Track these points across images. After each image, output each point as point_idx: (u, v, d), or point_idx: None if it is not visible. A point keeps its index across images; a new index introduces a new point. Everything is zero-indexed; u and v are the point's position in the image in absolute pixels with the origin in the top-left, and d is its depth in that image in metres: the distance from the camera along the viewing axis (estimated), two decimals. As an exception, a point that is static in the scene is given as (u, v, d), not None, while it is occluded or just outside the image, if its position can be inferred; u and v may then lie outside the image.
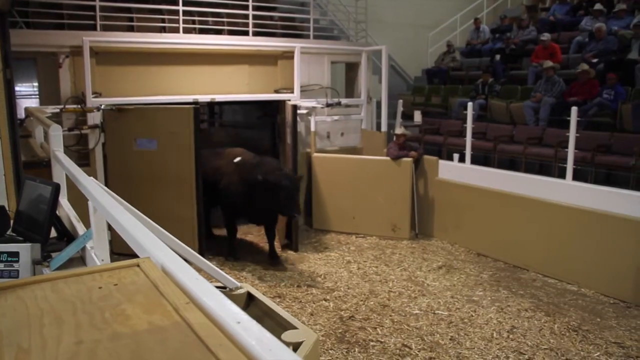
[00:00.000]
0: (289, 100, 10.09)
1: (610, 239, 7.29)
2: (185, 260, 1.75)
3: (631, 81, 10.23)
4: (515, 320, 6.69)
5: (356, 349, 5.99)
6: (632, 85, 10.16)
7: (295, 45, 10.21)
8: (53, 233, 3.76)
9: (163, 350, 1.13)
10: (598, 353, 5.89)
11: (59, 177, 4.74)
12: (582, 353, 5.89)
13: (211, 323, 1.21)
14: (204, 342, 1.12)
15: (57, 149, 4.85)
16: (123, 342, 1.18)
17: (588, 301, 7.27)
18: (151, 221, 3.37)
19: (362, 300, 7.26)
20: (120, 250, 4.47)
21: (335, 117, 11.03)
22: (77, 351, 1.15)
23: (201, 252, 8.68)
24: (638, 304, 7.02)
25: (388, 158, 9.89)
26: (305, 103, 10.21)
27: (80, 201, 3.73)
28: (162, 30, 10.09)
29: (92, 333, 1.24)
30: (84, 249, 3.57)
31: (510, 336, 6.29)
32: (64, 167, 4.34)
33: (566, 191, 8.04)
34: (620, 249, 7.14)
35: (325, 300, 7.28)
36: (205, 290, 1.39)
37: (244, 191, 8.44)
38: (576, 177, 8.33)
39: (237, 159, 8.72)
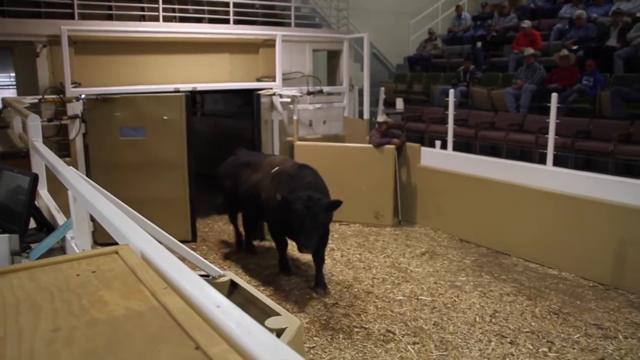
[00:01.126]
0: (271, 88, 10.06)
1: (589, 223, 7.38)
2: (169, 249, 1.75)
3: (610, 68, 10.32)
4: (498, 305, 6.76)
5: (340, 336, 6.02)
6: (610, 72, 10.25)
7: (277, 33, 10.16)
8: (33, 224, 3.73)
9: (140, 335, 1.13)
10: (578, 335, 5.97)
11: (37, 167, 4.69)
12: (562, 335, 5.97)
13: (190, 308, 1.20)
14: (181, 326, 1.12)
15: (36, 139, 4.79)
16: (100, 328, 1.17)
17: (568, 285, 7.37)
18: (134, 211, 3.34)
19: (346, 287, 7.29)
20: (103, 240, 4.44)
21: (318, 105, 11.00)
22: (54, 338, 1.14)
23: (194, 235, 9.15)
24: (616, 286, 7.12)
25: (370, 145, 9.90)
26: (286, 92, 10.17)
27: (61, 192, 3.69)
28: (142, 18, 9.99)
29: (69, 320, 1.23)
30: (64, 239, 3.54)
31: (493, 320, 6.36)
32: (43, 157, 4.30)
33: (547, 177, 8.11)
34: (599, 233, 7.23)
35: (310, 287, 7.30)
36: (185, 275, 1.38)
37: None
38: (556, 162, 8.40)
39: (275, 169, 7.60)
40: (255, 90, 10.00)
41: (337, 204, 6.79)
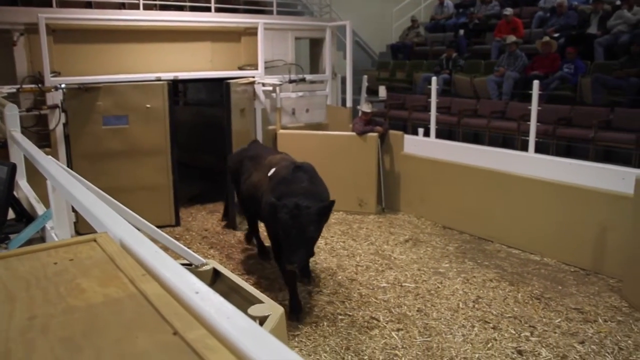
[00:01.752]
0: (253, 77, 10.00)
1: (570, 209, 7.45)
2: (151, 239, 1.73)
3: (590, 55, 10.40)
4: (481, 291, 6.81)
5: (325, 323, 6.04)
6: (591, 59, 10.33)
7: (259, 21, 10.08)
8: (12, 215, 3.68)
9: (117, 321, 1.12)
10: (559, 319, 6.04)
11: (16, 157, 4.63)
12: (544, 320, 6.04)
13: (168, 294, 1.19)
14: (159, 312, 1.11)
15: (14, 129, 4.73)
16: (77, 315, 1.16)
17: (550, 270, 7.44)
18: (114, 200, 3.31)
19: (329, 275, 7.30)
20: (85, 231, 4.40)
21: (300, 94, 10.96)
22: (30, 326, 1.13)
23: (177, 219, 9.37)
24: (597, 271, 7.21)
25: (354, 133, 9.90)
26: (268, 80, 10.11)
27: (41, 183, 3.64)
28: (122, 6, 9.86)
29: (45, 308, 1.21)
30: (44, 229, 3.50)
31: (476, 306, 6.41)
32: (21, 147, 4.24)
33: (529, 163, 8.17)
34: (580, 219, 7.31)
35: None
36: (163, 262, 1.37)
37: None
38: (538, 149, 8.47)
39: (271, 171, 6.76)
40: (237, 79, 9.92)
41: (328, 208, 5.94)
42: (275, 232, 6.14)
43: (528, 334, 5.76)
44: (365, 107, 9.97)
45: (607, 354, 5.36)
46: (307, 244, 5.88)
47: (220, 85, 9.65)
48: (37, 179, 4.01)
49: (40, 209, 3.91)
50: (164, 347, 1.00)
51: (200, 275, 3.00)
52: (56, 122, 8.45)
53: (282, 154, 7.47)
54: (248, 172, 7.29)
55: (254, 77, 9.92)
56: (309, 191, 6.08)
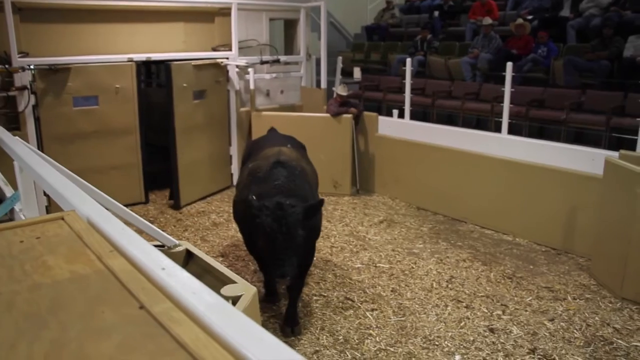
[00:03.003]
0: (227, 58, 9.90)
1: (542, 190, 7.55)
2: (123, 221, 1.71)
3: (563, 38, 10.50)
4: (454, 271, 6.89)
5: (299, 304, 6.06)
6: (564, 42, 10.43)
7: (232, 1, 9.93)
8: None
9: (84, 297, 1.10)
10: (530, 297, 6.15)
11: (-18, 139, 4.53)
12: (516, 298, 6.14)
13: (135, 270, 1.18)
14: (126, 287, 1.10)
15: (-20, 109, 4.62)
16: (42, 292, 1.15)
17: (522, 250, 7.55)
18: (84, 180, 3.26)
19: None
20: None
21: (275, 75, 10.89)
22: (-6, 303, 1.11)
23: (146, 197, 9.53)
24: (567, 250, 7.34)
25: (328, 115, 9.88)
26: (233, 61, 10.00)
27: (9, 165, 3.57)
28: (92, -15, 9.63)
29: (10, 285, 1.19)
30: (12, 211, 3.44)
31: (449, 286, 6.48)
32: (-14, 128, 4.15)
33: (502, 145, 8.26)
34: (552, 200, 7.41)
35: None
36: (130, 239, 1.35)
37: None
38: (511, 131, 8.57)
39: (251, 164, 5.89)
40: (209, 60, 9.82)
41: (316, 207, 5.08)
42: (251, 236, 5.46)
43: (500, 312, 5.85)
44: (340, 90, 9.95)
45: (575, 330, 5.48)
46: (297, 251, 4.89)
47: (208, 67, 9.59)
48: (4, 160, 3.93)
49: (8, 191, 3.84)
50: (130, 320, 0.99)
51: (172, 256, 2.98)
52: (25, 104, 8.26)
53: (287, 144, 6.29)
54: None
55: (219, 58, 9.82)
56: (289, 188, 5.16)
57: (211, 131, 9.85)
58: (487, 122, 9.92)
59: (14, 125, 8.15)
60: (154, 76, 14.10)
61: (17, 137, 3.48)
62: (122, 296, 1.08)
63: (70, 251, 1.37)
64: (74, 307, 1.08)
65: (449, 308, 5.96)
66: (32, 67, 8.22)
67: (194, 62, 9.32)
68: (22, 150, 3.03)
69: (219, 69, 9.85)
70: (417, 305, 6.02)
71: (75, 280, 1.19)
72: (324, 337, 5.45)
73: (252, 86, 10.13)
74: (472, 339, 5.36)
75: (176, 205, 9.24)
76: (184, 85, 9.08)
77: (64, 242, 1.45)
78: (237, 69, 10.00)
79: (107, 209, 1.82)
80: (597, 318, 5.72)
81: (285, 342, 0.86)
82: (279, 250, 4.73)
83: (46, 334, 0.99)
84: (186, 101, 9.11)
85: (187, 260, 3.17)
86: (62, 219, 1.65)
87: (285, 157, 5.63)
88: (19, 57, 8.12)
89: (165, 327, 0.94)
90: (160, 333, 0.94)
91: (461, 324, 5.62)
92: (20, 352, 0.92)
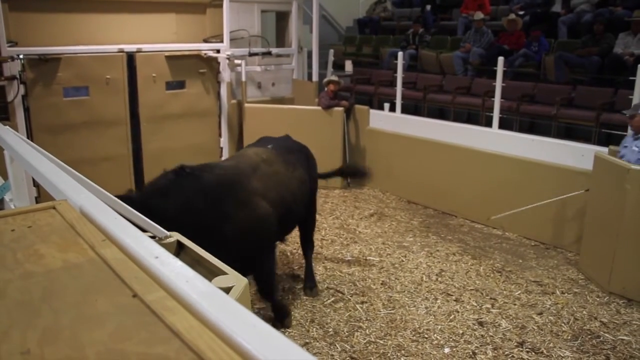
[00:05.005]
0: (218, 50, 9.85)
1: (532, 184, 7.59)
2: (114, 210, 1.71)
3: (554, 33, 10.53)
4: (444, 264, 6.93)
5: (289, 297, 6.08)
6: (555, 37, 10.46)
7: (224, -8, 9.90)
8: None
9: (77, 286, 1.10)
10: (519, 291, 6.20)
11: (-29, 128, 4.49)
12: (505, 292, 6.18)
13: (128, 258, 1.18)
14: (119, 276, 1.10)
15: (-31, 99, 4.58)
16: (35, 280, 1.14)
17: (511, 244, 7.60)
18: (75, 171, 3.24)
19: (295, 249, 7.32)
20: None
21: (266, 67, 10.86)
22: (-15, 291, 1.11)
23: (137, 184, 9.32)
24: (556, 245, 7.40)
25: (319, 108, 9.87)
26: (227, 53, 9.96)
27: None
28: (82, -26, 9.55)
29: (2, 273, 1.19)
30: (2, 201, 3.42)
31: (439, 279, 6.52)
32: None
33: (492, 139, 8.27)
34: (541, 194, 7.44)
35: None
36: (123, 228, 1.35)
37: None
38: (502, 125, 8.58)
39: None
40: (200, 51, 9.77)
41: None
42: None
43: (489, 305, 5.89)
44: (331, 76, 9.96)
45: (563, 324, 5.53)
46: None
47: (187, 58, 9.56)
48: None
49: (-2, 181, 3.82)
50: (123, 308, 0.99)
51: (163, 247, 2.98)
52: (14, 94, 8.19)
53: (259, 149, 5.81)
54: None
55: (206, 50, 9.79)
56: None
57: (195, 122, 9.82)
58: (478, 117, 9.93)
59: (3, 115, 8.08)
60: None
61: (7, 127, 3.45)
62: (115, 285, 1.08)
63: (62, 240, 1.37)
64: (67, 295, 1.08)
65: (438, 301, 5.99)
66: (21, 56, 8.15)
67: (167, 53, 9.31)
68: (13, 139, 3.00)
69: (203, 61, 9.81)
70: (406, 298, 6.05)
71: (68, 269, 1.19)
72: (314, 329, 5.46)
73: (243, 78, 10.10)
74: (461, 332, 5.39)
75: None
76: (153, 75, 9.12)
77: (56, 231, 1.45)
78: (227, 61, 9.96)
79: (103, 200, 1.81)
80: (584, 312, 5.77)
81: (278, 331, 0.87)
82: None
83: (39, 321, 0.99)
84: (156, 91, 9.18)
85: (178, 252, 3.16)
86: (54, 208, 1.65)
87: (195, 165, 4.87)
88: (8, 47, 8.04)
89: (159, 316, 0.95)
90: (153, 321, 0.95)
91: (450, 317, 5.66)
92: (13, 339, 0.92)
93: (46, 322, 0.98)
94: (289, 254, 7.21)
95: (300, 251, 6.93)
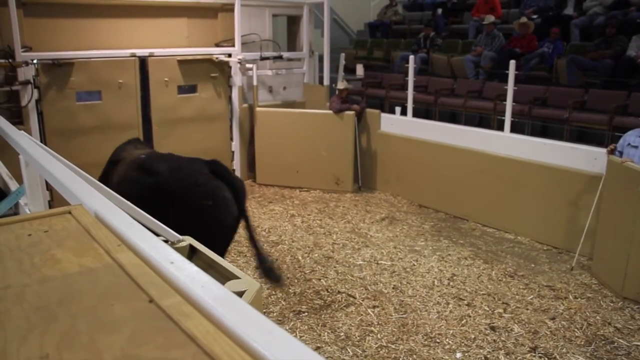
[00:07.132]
0: (230, 54, 9.90)
1: (544, 188, 7.55)
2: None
3: (566, 37, 10.49)
4: (456, 268, 6.90)
5: (301, 300, 6.07)
6: (567, 40, 10.42)
7: (236, -3, 9.95)
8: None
9: (93, 290, 1.11)
10: (531, 296, 6.16)
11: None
12: (517, 297, 6.15)
13: (143, 264, 1.19)
14: (135, 281, 1.11)
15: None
16: (52, 285, 1.15)
17: (524, 248, 7.56)
18: (89, 175, 3.27)
19: (306, 253, 7.33)
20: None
21: (278, 71, 10.89)
22: (4, 296, 1.12)
23: None
24: (568, 249, 7.33)
25: (331, 112, 9.88)
26: (238, 58, 10.00)
27: (14, 160, 3.57)
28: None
29: (20, 278, 1.20)
30: (17, 205, 3.45)
31: (451, 283, 6.49)
32: (-8, 122, 4.15)
33: (504, 143, 8.24)
34: (554, 198, 7.41)
35: (270, 254, 7.31)
36: (138, 233, 1.36)
37: None
38: (514, 129, 8.54)
39: None
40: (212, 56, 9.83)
41: None
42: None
43: (501, 310, 5.86)
44: (340, 84, 9.98)
45: (576, 329, 5.48)
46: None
47: (198, 62, 9.62)
48: (9, 155, 3.94)
49: (13, 185, 3.86)
50: (139, 313, 1.00)
51: (176, 251, 3.00)
52: (28, 99, 8.28)
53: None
54: None
55: (219, 54, 9.84)
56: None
57: (206, 126, 9.88)
58: (489, 120, 9.91)
59: (17, 119, 8.16)
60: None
61: (22, 132, 3.49)
62: (131, 290, 1.09)
63: (78, 245, 1.38)
64: (83, 300, 1.09)
65: (450, 306, 5.97)
66: (35, 61, 8.25)
67: (179, 57, 9.38)
68: (28, 144, 3.03)
69: (215, 65, 9.87)
70: (418, 303, 6.03)
71: (84, 273, 1.20)
72: (326, 333, 5.46)
73: (254, 82, 10.14)
74: (473, 336, 5.37)
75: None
76: (165, 79, 9.18)
77: (71, 236, 1.46)
78: (238, 65, 10.01)
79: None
80: (598, 317, 5.72)
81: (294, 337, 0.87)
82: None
83: (57, 326, 1.00)
84: (168, 95, 9.24)
85: (191, 255, 3.18)
86: (70, 212, 1.66)
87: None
88: (23, 52, 8.13)
89: (175, 321, 0.95)
90: (170, 327, 0.95)
91: (462, 322, 5.63)
92: (31, 344, 0.93)
93: (64, 327, 0.99)
94: (299, 257, 7.21)
95: (300, 251, 6.95)
